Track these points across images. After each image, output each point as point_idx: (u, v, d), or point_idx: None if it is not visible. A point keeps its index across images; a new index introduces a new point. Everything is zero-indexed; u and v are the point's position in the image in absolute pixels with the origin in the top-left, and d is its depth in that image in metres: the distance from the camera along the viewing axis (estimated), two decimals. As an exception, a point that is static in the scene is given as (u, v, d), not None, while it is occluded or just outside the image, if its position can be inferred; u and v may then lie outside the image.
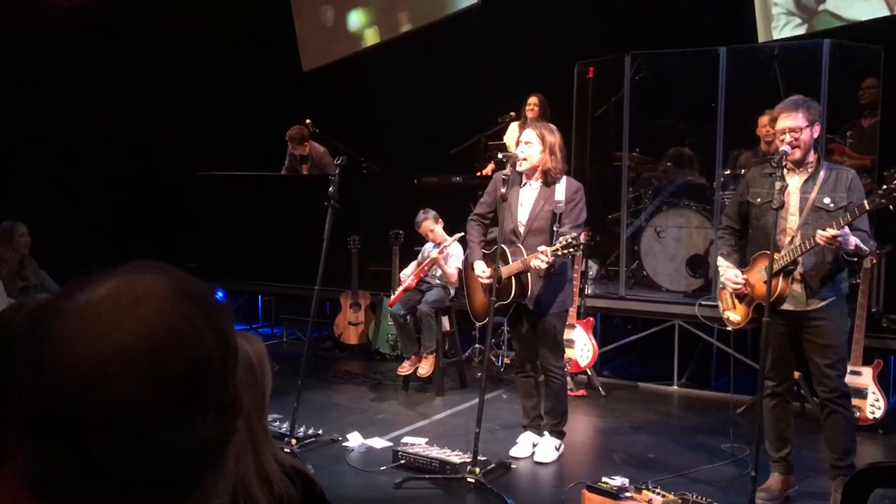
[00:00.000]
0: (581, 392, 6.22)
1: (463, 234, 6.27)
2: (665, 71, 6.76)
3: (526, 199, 4.63)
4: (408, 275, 6.44)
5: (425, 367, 6.18)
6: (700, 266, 6.55)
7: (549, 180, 4.55)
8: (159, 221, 9.22)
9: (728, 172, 6.56)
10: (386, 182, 8.49)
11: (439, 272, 6.33)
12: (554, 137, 4.56)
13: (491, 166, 7.63)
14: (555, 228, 4.40)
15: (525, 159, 4.53)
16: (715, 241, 4.25)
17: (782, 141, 3.90)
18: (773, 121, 3.99)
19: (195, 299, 0.82)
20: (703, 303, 5.92)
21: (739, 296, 4.16)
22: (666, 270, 6.73)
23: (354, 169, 7.81)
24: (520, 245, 4.56)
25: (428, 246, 6.49)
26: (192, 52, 9.36)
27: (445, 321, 6.53)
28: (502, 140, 7.74)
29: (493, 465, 4.49)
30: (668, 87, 6.84)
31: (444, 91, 8.72)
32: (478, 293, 4.81)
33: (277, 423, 4.99)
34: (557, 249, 4.24)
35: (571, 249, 4.25)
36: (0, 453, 1.84)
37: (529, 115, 7.54)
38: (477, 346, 7.22)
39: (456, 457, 4.48)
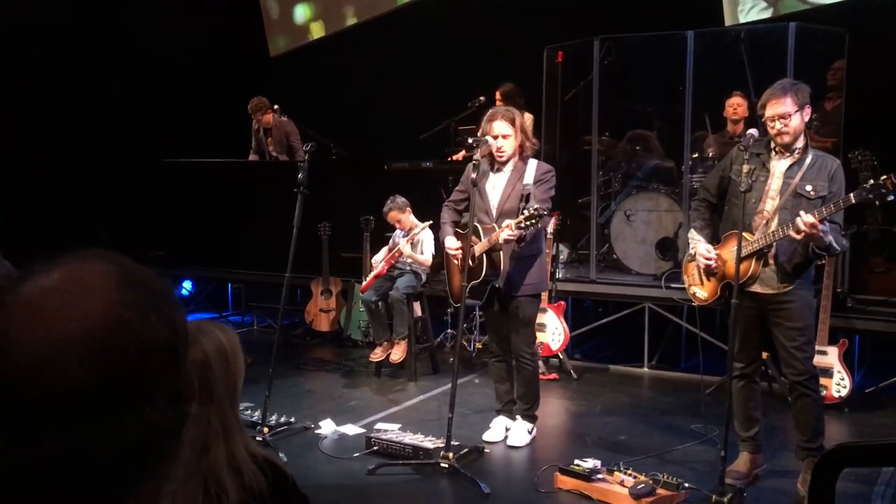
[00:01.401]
0: (553, 376, 6.25)
1: (432, 222, 6.29)
2: (633, 55, 6.77)
3: (498, 183, 4.65)
4: (379, 261, 6.41)
5: (397, 353, 6.18)
6: (669, 249, 6.60)
7: (523, 158, 4.58)
8: (125, 209, 9.08)
9: (696, 156, 6.62)
10: (356, 168, 8.44)
11: (417, 254, 6.31)
12: (520, 117, 4.61)
13: (462, 152, 7.61)
14: (523, 206, 4.37)
15: (503, 150, 4.54)
16: (688, 212, 4.22)
17: (772, 128, 3.88)
18: (763, 107, 3.92)
19: (141, 287, 0.83)
20: (670, 286, 5.96)
21: (709, 272, 4.17)
22: (636, 254, 6.78)
23: (324, 155, 7.76)
24: (493, 225, 4.57)
25: (398, 232, 6.47)
26: (157, 38, 9.20)
27: (417, 307, 6.53)
28: (473, 125, 7.72)
29: (466, 450, 4.50)
30: (636, 70, 6.85)
31: (413, 76, 8.67)
32: (456, 275, 4.82)
33: (249, 412, 4.97)
34: (521, 221, 4.23)
35: (534, 220, 4.22)
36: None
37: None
38: (449, 331, 7.23)
39: (429, 442, 4.49)
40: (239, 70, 9.64)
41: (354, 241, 7.27)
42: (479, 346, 7.01)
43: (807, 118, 3.94)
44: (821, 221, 3.65)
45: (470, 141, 4.82)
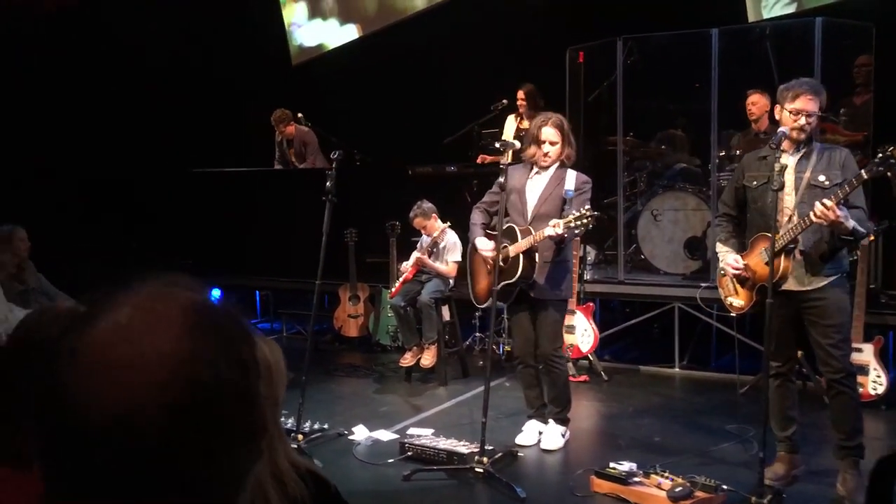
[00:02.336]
0: (583, 378, 6.24)
1: (449, 224, 6.30)
2: (657, 54, 6.74)
3: (535, 187, 4.67)
4: (407, 267, 6.43)
5: (427, 358, 6.19)
6: (698, 248, 6.56)
7: (564, 165, 4.62)
8: (154, 219, 9.18)
9: (722, 154, 6.58)
10: (380, 173, 8.47)
11: (437, 264, 6.33)
12: (566, 123, 4.65)
13: (489, 156, 7.63)
14: (565, 210, 4.43)
15: (550, 155, 4.58)
16: (713, 227, 4.26)
17: (795, 121, 3.89)
18: (793, 98, 3.90)
19: (210, 328, 0.81)
20: (704, 285, 5.93)
21: (741, 280, 4.17)
22: (664, 253, 6.74)
23: (348, 161, 7.79)
24: (528, 227, 4.57)
25: (425, 238, 6.49)
26: (185, 51, 9.29)
27: (445, 311, 6.54)
28: (496, 128, 7.73)
29: (500, 454, 4.50)
30: (660, 69, 6.82)
31: (435, 80, 8.69)
32: (481, 277, 4.82)
33: (283, 419, 4.99)
34: (570, 221, 4.26)
35: (585, 220, 4.24)
36: (27, 452, 1.83)
37: (520, 108, 7.56)
38: (477, 334, 7.23)
39: (463, 447, 4.50)
40: (263, 79, 9.71)
41: (380, 246, 7.30)
42: (507, 349, 7.00)
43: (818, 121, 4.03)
44: (838, 205, 3.63)
45: (497, 145, 4.84)
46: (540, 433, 4.88)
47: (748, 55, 6.49)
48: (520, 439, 4.85)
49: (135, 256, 9.08)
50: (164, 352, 0.77)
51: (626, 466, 4.09)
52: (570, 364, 6.28)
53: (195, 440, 0.77)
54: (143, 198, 9.20)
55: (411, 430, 5.04)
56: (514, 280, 4.58)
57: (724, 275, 4.25)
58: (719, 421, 5.14)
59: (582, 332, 6.30)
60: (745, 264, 4.11)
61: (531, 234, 4.49)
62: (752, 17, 7.72)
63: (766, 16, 7.66)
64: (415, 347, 6.27)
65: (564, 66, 7.08)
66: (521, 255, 4.54)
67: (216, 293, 9.46)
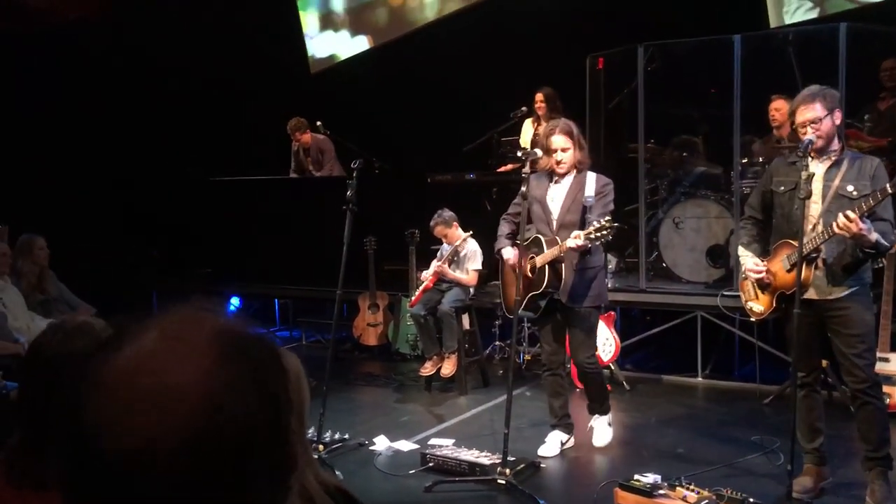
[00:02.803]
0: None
1: (471, 232, 6.28)
2: (679, 61, 6.69)
3: (557, 195, 4.68)
4: (427, 276, 6.41)
5: (448, 368, 6.16)
6: (720, 256, 6.49)
7: (579, 171, 4.63)
8: (173, 228, 9.22)
9: (745, 161, 6.51)
10: (399, 181, 8.46)
11: (457, 272, 6.30)
12: (576, 127, 4.67)
13: (510, 164, 7.60)
14: (587, 217, 4.44)
15: (564, 162, 4.59)
16: (736, 231, 4.22)
17: (804, 134, 3.86)
18: (792, 114, 3.93)
19: (240, 359, 0.78)
20: (725, 293, 5.87)
21: (762, 285, 4.11)
22: (686, 261, 6.68)
23: (367, 169, 7.78)
24: (554, 237, 4.58)
25: (445, 247, 6.46)
26: (204, 60, 9.34)
27: (466, 319, 6.51)
28: (516, 136, 7.71)
29: (522, 466, 4.46)
30: (681, 76, 6.77)
31: (455, 87, 8.67)
32: (511, 287, 4.82)
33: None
34: (591, 232, 4.25)
35: (605, 232, 4.24)
36: (45, 475, 1.81)
37: (539, 112, 7.53)
38: (497, 343, 7.19)
39: (485, 458, 4.46)
40: (282, 87, 9.73)
41: (398, 254, 7.29)
42: (527, 357, 6.96)
43: (838, 122, 3.91)
44: (861, 218, 3.57)
45: (519, 154, 4.83)
46: (562, 444, 4.85)
47: (771, 61, 6.42)
48: (542, 451, 4.82)
49: (155, 265, 9.13)
50: (188, 383, 0.74)
51: (650, 478, 4.03)
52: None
53: (219, 476, 0.74)
54: (162, 207, 9.23)
55: (432, 441, 5.01)
56: (541, 290, 4.58)
57: (746, 278, 4.20)
58: (744, 432, 5.07)
59: (603, 342, 6.23)
60: (766, 268, 4.05)
61: (557, 244, 4.50)
62: (773, 23, 7.66)
63: (787, 21, 7.60)
64: (435, 356, 6.24)
65: (585, 73, 7.04)
66: (546, 266, 4.54)
67: (235, 301, 9.49)
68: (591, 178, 4.60)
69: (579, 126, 6.92)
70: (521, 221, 4.51)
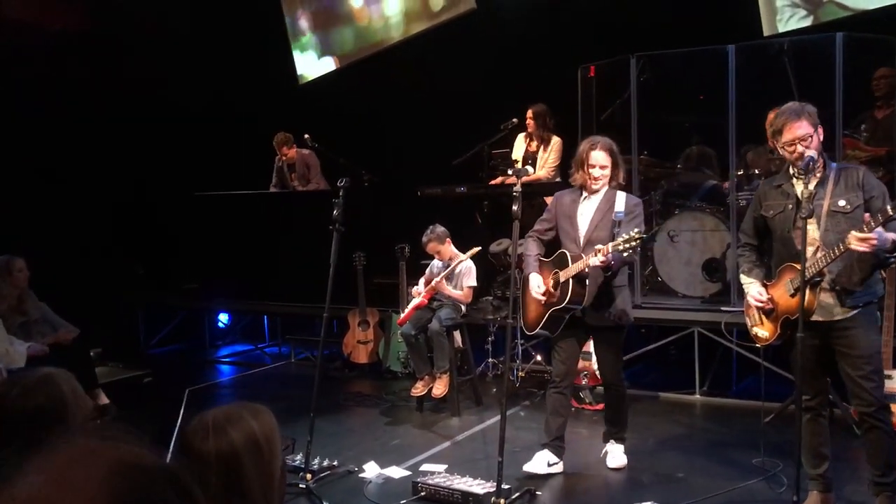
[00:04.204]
0: (600, 406, 6.01)
1: (479, 248, 6.13)
2: (671, 71, 6.57)
3: (586, 212, 4.59)
4: (419, 292, 6.25)
5: (439, 388, 6.01)
6: (717, 270, 6.37)
7: (612, 188, 4.55)
8: (159, 243, 9.05)
9: (740, 172, 6.40)
10: (388, 195, 8.31)
11: (451, 289, 6.15)
12: (615, 146, 4.57)
13: (500, 178, 7.47)
14: (616, 233, 4.34)
15: (599, 179, 4.51)
16: (734, 251, 4.11)
17: (793, 153, 3.73)
18: (778, 133, 3.78)
19: (131, 494, 0.68)
20: (725, 309, 5.74)
21: (766, 311, 3.99)
22: (681, 276, 6.55)
23: (356, 182, 7.63)
24: (580, 254, 4.48)
25: (435, 263, 6.31)
26: (185, 73, 9.18)
27: (458, 337, 6.36)
28: (507, 149, 7.57)
29: (517, 494, 4.31)
30: (674, 87, 6.66)
31: (443, 99, 8.53)
32: (532, 305, 4.73)
33: (291, 457, 4.81)
34: (619, 244, 4.15)
35: (634, 243, 4.14)
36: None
37: (529, 128, 7.42)
38: (490, 360, 7.04)
39: (478, 486, 4.31)
40: (268, 100, 9.58)
41: (388, 269, 7.15)
42: (521, 374, 6.82)
43: (821, 137, 3.79)
44: (872, 232, 3.44)
45: (509, 172, 4.70)
46: (549, 465, 4.71)
47: (766, 71, 6.31)
48: (528, 466, 4.68)
49: (141, 281, 8.95)
50: None
51: (650, 508, 3.89)
52: (587, 392, 6.10)
53: None
54: (146, 222, 9.06)
55: (424, 467, 4.85)
56: (562, 305, 4.48)
57: (750, 306, 4.07)
58: (745, 454, 4.93)
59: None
60: (768, 297, 3.93)
61: (582, 259, 4.40)
62: (767, 32, 7.54)
63: (781, 29, 7.48)
64: (426, 376, 6.09)
65: (576, 84, 6.92)
66: (570, 280, 4.43)
67: (224, 318, 9.33)
68: (621, 196, 4.51)
69: (571, 138, 6.89)
70: (513, 238, 4.37)
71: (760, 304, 3.94)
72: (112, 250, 8.95)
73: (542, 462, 4.71)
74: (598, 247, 4.24)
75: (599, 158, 4.48)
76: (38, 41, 8.48)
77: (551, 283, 4.57)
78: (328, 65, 10.14)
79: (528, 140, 7.47)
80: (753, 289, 3.99)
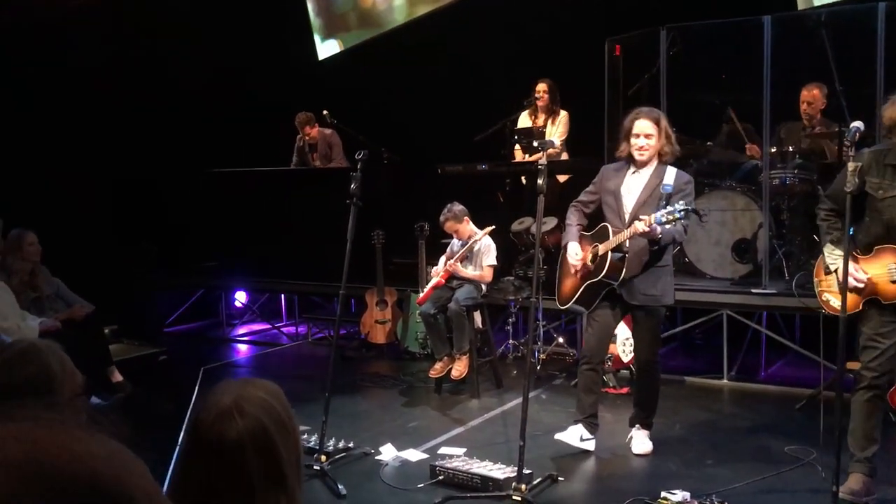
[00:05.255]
0: (625, 390, 5.84)
1: (493, 227, 5.95)
2: (703, 43, 6.32)
3: (633, 187, 4.40)
4: (437, 271, 6.09)
5: (459, 369, 5.84)
6: (747, 251, 6.14)
7: (661, 163, 4.34)
8: (176, 221, 8.93)
9: (773, 150, 6.16)
10: (408, 172, 8.14)
11: (469, 269, 5.98)
12: (664, 117, 4.35)
13: (521, 154, 7.28)
14: (660, 204, 4.15)
15: (645, 149, 4.30)
16: (819, 222, 3.88)
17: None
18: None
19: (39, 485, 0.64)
20: (755, 291, 5.54)
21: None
22: (710, 256, 6.34)
23: (375, 160, 7.46)
24: (623, 230, 4.31)
25: (455, 242, 6.13)
26: (200, 46, 9.02)
27: (477, 317, 6.19)
28: (517, 123, 7.37)
29: (538, 480, 4.14)
30: (705, 60, 6.40)
31: (465, 75, 8.34)
32: (568, 278, 4.59)
33: (306, 436, 4.67)
34: (663, 214, 3.97)
35: (679, 215, 3.95)
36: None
37: (539, 103, 7.22)
38: (511, 341, 6.88)
39: (498, 471, 4.14)
40: (288, 76, 9.42)
41: (407, 248, 6.99)
42: (542, 357, 6.65)
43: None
44: None
45: (535, 144, 4.51)
46: (582, 440, 4.58)
47: (802, 44, 6.05)
48: (560, 435, 4.61)
49: (154, 259, 8.85)
50: None
51: (678, 496, 3.73)
52: (610, 375, 5.92)
53: None
54: (167, 200, 8.95)
55: (442, 450, 4.70)
56: (598, 279, 4.34)
57: (830, 273, 3.85)
58: (776, 441, 4.73)
59: (623, 341, 5.92)
60: (867, 277, 3.70)
61: (623, 232, 4.24)
62: (801, 5, 7.27)
63: (816, 3, 7.21)
64: (445, 357, 5.92)
65: (602, 58, 6.68)
66: (609, 253, 4.27)
67: (241, 296, 9.22)
68: (671, 171, 4.31)
69: (598, 114, 6.67)
70: (538, 218, 4.18)
71: (858, 286, 3.71)
72: (129, 229, 8.86)
73: (576, 435, 4.61)
74: (643, 216, 4.07)
75: (644, 127, 4.29)
76: (47, 16, 8.34)
77: (589, 256, 4.41)
78: (333, 47, 9.98)
79: (532, 116, 7.30)
80: (851, 266, 3.69)
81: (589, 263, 4.40)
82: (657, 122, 4.29)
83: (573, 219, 4.59)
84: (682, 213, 3.96)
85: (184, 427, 4.47)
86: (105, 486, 0.64)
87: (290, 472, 1.43)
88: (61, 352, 1.69)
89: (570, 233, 4.55)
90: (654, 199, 4.25)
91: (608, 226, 4.37)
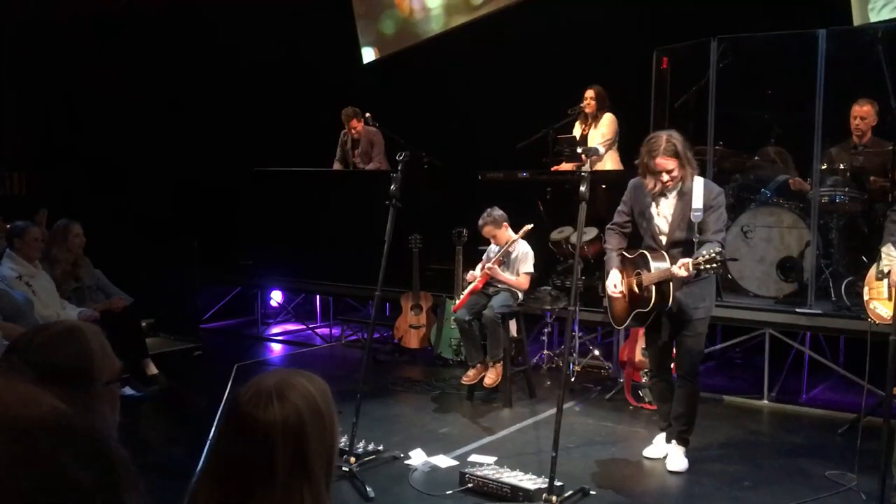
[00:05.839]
0: (661, 406, 5.72)
1: (531, 226, 5.87)
2: (755, 56, 6.19)
3: (665, 209, 4.38)
4: (475, 275, 6.03)
5: (492, 377, 5.78)
6: (793, 269, 5.99)
7: (684, 186, 4.30)
8: (216, 219, 9.00)
9: (823, 167, 6.00)
10: (448, 177, 8.09)
11: (506, 274, 5.92)
12: (680, 142, 4.26)
13: (564, 163, 7.20)
14: (694, 239, 4.20)
15: (670, 182, 4.27)
16: (886, 224, 3.79)
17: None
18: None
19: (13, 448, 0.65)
20: (800, 311, 5.39)
21: None
22: (754, 274, 6.19)
23: (415, 164, 7.43)
24: (663, 252, 4.30)
25: (493, 248, 6.08)
26: (250, 48, 9.10)
27: (512, 325, 6.12)
28: (571, 134, 7.29)
29: (570, 492, 4.07)
30: (756, 74, 6.27)
31: (510, 81, 8.28)
32: (618, 301, 4.56)
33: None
34: (700, 263, 3.99)
35: (714, 265, 3.99)
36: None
37: (587, 109, 7.13)
38: (545, 352, 6.79)
39: (529, 481, 4.07)
40: (331, 78, 9.45)
41: (444, 254, 6.95)
42: (577, 369, 6.55)
43: None
44: None
45: (579, 151, 4.45)
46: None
47: (856, 60, 5.90)
48: (647, 451, 4.72)
49: (197, 255, 8.92)
50: None
51: (714, 517, 3.61)
52: (647, 391, 5.81)
53: None
54: (203, 197, 9.02)
55: (472, 458, 4.64)
56: (648, 309, 4.33)
57: (883, 278, 3.74)
58: (817, 465, 4.59)
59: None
60: None
61: (665, 260, 4.21)
62: (857, 21, 7.10)
63: (873, 19, 7.03)
64: (479, 365, 5.86)
65: (650, 68, 6.59)
66: (653, 287, 4.25)
67: (277, 296, 9.25)
68: (699, 185, 4.28)
69: (643, 125, 6.57)
70: (579, 226, 4.12)
71: None
72: (170, 225, 8.94)
73: (661, 446, 4.71)
74: (683, 261, 4.05)
75: (666, 164, 4.24)
76: (99, 14, 8.48)
77: (634, 282, 4.37)
78: (369, 55, 10.00)
79: (583, 126, 7.22)
80: None
81: (635, 289, 4.36)
82: (675, 155, 4.23)
83: (612, 243, 4.56)
84: (717, 263, 3.99)
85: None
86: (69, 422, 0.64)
87: (317, 464, 1.41)
88: (103, 337, 1.68)
89: (611, 260, 4.52)
90: (684, 224, 4.27)
91: (646, 254, 4.32)
